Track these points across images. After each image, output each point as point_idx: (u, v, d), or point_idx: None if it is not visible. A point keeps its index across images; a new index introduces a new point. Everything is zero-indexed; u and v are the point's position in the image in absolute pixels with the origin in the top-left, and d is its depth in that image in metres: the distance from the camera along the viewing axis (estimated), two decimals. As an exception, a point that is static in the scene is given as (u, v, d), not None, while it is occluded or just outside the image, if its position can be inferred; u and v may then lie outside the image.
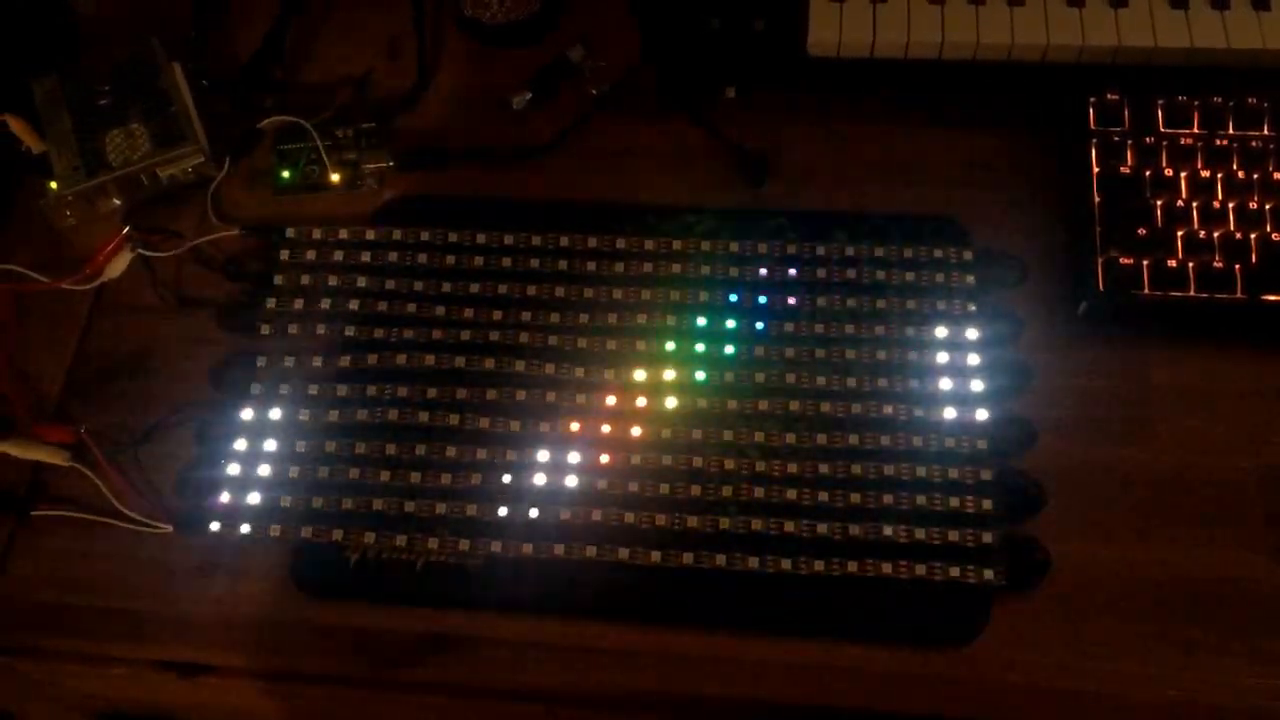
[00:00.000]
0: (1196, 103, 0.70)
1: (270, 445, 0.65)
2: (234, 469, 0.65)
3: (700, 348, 0.67)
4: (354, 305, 0.69)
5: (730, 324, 0.68)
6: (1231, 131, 0.69)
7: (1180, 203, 0.68)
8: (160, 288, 0.72)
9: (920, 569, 0.61)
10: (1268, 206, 0.67)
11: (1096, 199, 0.68)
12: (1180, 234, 0.67)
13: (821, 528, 0.62)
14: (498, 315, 0.69)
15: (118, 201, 0.74)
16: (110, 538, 0.64)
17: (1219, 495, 0.63)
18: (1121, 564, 0.61)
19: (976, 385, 0.65)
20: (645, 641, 0.61)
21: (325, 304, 0.70)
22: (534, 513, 0.63)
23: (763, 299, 0.68)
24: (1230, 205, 0.67)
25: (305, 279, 0.70)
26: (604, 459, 0.64)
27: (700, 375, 0.66)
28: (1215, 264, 0.66)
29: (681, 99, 0.77)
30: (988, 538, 0.61)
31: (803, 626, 0.61)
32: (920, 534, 0.62)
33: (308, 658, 0.62)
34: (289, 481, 0.65)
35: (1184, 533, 0.62)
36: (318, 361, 0.68)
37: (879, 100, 0.76)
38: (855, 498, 0.63)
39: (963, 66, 0.72)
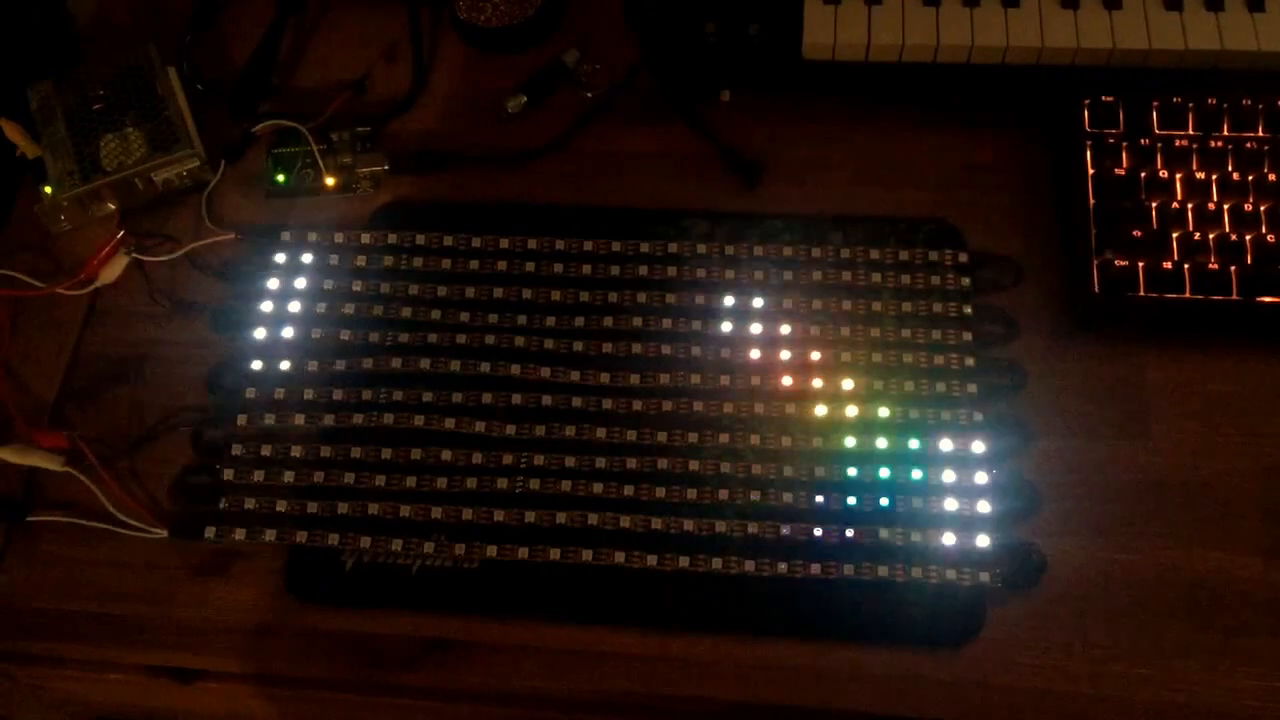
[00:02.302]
0: (1191, 104, 0.70)
1: (265, 450, 0.65)
2: (228, 474, 0.65)
3: (696, 351, 0.67)
4: (349, 309, 0.69)
5: (726, 328, 0.68)
6: (1226, 133, 0.69)
7: (1175, 204, 0.68)
8: (155, 292, 0.72)
9: (916, 571, 0.61)
10: (1263, 208, 0.67)
11: (1091, 201, 0.68)
12: (1175, 235, 0.67)
13: (817, 531, 0.62)
14: (493, 319, 0.69)
15: (112, 206, 0.74)
16: (105, 543, 0.64)
17: (1215, 496, 0.63)
18: (1117, 565, 0.61)
19: (972, 388, 0.65)
20: (641, 645, 0.61)
21: (320, 308, 0.69)
22: (530, 517, 0.63)
23: (758, 302, 0.68)
24: (1225, 207, 0.67)
25: (300, 283, 0.70)
26: (599, 463, 0.64)
27: (697, 379, 0.66)
28: (1210, 265, 0.66)
29: (677, 102, 0.77)
30: (984, 540, 0.61)
31: (799, 629, 0.61)
32: (916, 536, 0.62)
33: (303, 662, 0.62)
34: (284, 486, 0.64)
35: (1180, 534, 0.62)
36: (313, 365, 0.68)
37: (874, 103, 0.76)
38: (852, 500, 0.63)
39: (958, 69, 0.72)
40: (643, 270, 0.70)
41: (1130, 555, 0.62)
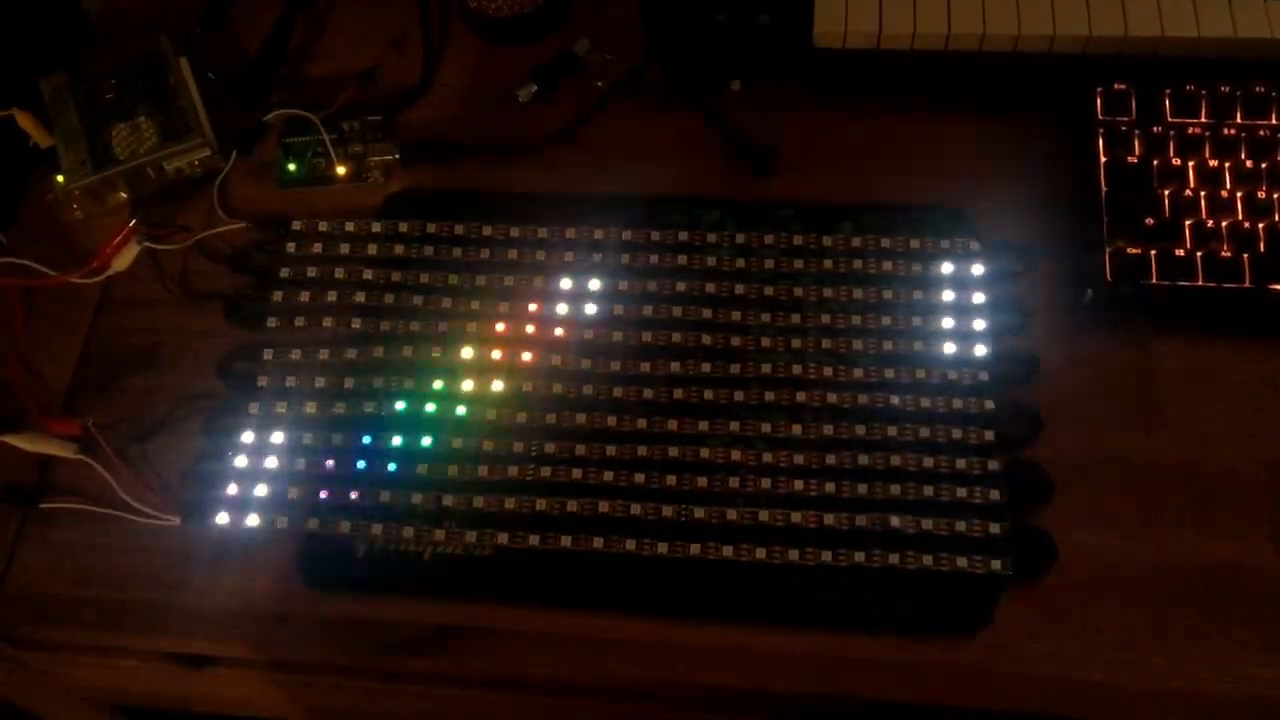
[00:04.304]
0: (1204, 92, 0.70)
1: (277, 438, 0.65)
2: (241, 461, 0.65)
3: (706, 340, 0.67)
4: (360, 298, 0.69)
5: (736, 315, 0.68)
6: (1239, 120, 0.69)
7: (1188, 192, 0.68)
8: (167, 281, 0.72)
9: (928, 560, 0.61)
10: (1275, 195, 0.67)
11: (1104, 189, 0.68)
12: (1188, 223, 0.67)
13: (829, 518, 0.62)
14: (503, 308, 0.69)
15: (124, 195, 0.74)
16: (118, 530, 0.64)
17: (1227, 484, 0.63)
18: (1129, 554, 0.61)
19: (984, 376, 0.65)
20: (651, 632, 0.61)
21: (331, 297, 0.70)
22: (541, 504, 0.63)
23: (768, 290, 0.68)
24: (1238, 194, 0.67)
25: (311, 272, 0.70)
26: (610, 451, 0.64)
27: (706, 367, 0.66)
28: (1223, 253, 0.66)
29: (688, 92, 0.76)
30: (995, 528, 0.61)
31: (809, 617, 0.61)
32: (928, 524, 0.62)
33: (315, 649, 0.62)
34: (295, 474, 0.65)
35: (1192, 522, 0.62)
36: (324, 354, 0.68)
37: (885, 92, 0.76)
38: (862, 488, 0.63)
39: (969, 57, 0.72)
40: (653, 259, 0.70)
41: (1142, 543, 0.62)
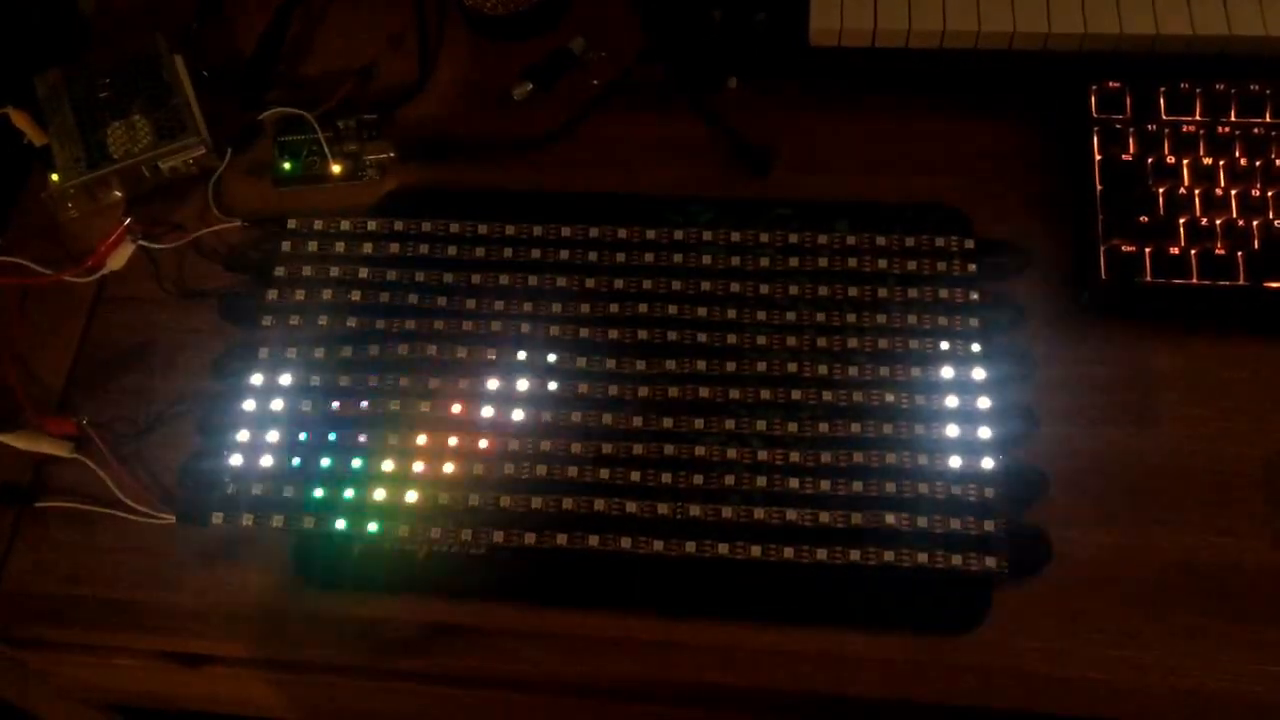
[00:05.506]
0: (1198, 90, 0.70)
1: (272, 436, 0.65)
2: (236, 459, 0.65)
3: (702, 338, 0.67)
4: (355, 296, 0.69)
5: (731, 314, 0.68)
6: (1234, 119, 0.69)
7: (1182, 190, 0.68)
8: (162, 280, 0.72)
9: (922, 557, 0.61)
10: (1270, 193, 0.67)
11: (1098, 187, 0.68)
12: (1182, 221, 0.67)
13: (824, 516, 0.62)
14: (499, 306, 0.69)
15: (119, 194, 0.74)
16: (113, 529, 0.64)
17: (1222, 482, 0.63)
18: (1124, 551, 0.61)
19: (978, 373, 0.65)
20: (647, 631, 0.61)
21: (327, 295, 0.70)
22: (536, 503, 0.63)
23: (764, 289, 0.68)
24: (1232, 192, 0.67)
25: (307, 270, 0.70)
26: (606, 449, 0.64)
27: (702, 365, 0.66)
28: (1217, 251, 0.66)
29: (684, 90, 0.76)
30: (990, 526, 0.61)
31: (805, 615, 0.61)
32: (923, 522, 0.62)
33: (311, 647, 0.62)
34: (291, 472, 0.65)
35: (1187, 520, 0.62)
36: (320, 352, 0.68)
37: (881, 90, 0.76)
38: (858, 486, 0.63)
39: (964, 55, 0.72)
40: (649, 257, 0.70)
41: (1137, 541, 0.62)
